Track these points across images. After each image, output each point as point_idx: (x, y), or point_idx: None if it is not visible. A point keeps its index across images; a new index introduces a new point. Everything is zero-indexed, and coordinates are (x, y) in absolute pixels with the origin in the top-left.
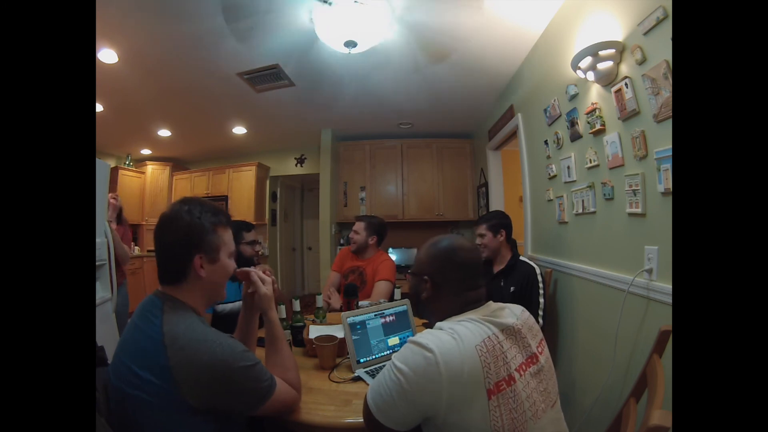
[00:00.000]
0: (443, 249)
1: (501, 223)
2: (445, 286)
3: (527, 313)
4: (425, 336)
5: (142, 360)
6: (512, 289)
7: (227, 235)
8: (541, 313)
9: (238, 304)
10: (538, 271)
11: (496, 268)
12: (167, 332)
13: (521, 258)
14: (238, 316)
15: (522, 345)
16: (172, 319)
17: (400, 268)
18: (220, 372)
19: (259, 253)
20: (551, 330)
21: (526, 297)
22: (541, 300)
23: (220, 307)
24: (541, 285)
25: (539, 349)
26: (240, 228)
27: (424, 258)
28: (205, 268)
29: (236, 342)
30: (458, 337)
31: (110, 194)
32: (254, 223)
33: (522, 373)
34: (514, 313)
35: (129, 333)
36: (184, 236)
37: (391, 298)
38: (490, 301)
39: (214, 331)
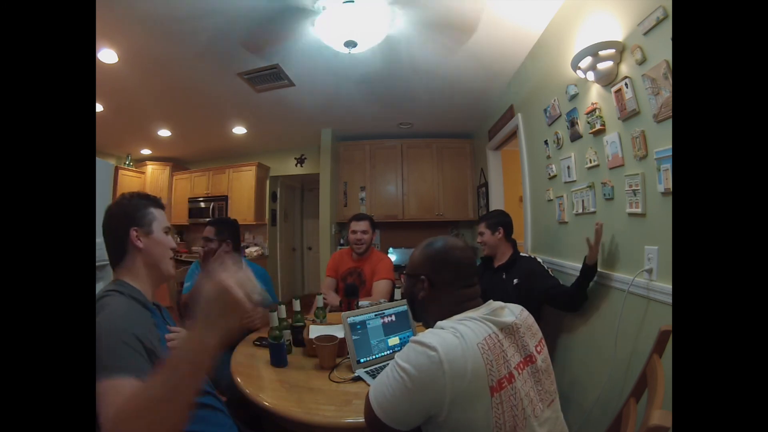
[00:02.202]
0: (437, 248)
1: (499, 221)
2: (442, 284)
3: (526, 312)
4: (427, 335)
5: None
6: (515, 281)
7: (160, 213)
8: (562, 285)
9: None
10: (540, 260)
11: (497, 264)
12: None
13: (522, 254)
14: None
15: (520, 344)
16: (101, 296)
17: (399, 269)
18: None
19: (203, 249)
20: (552, 330)
21: (531, 287)
22: (555, 278)
23: None
24: (548, 270)
25: (537, 349)
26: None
27: (419, 258)
28: (142, 240)
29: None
30: (460, 335)
31: None
32: (254, 223)
33: (520, 371)
34: (513, 313)
35: None
36: (120, 215)
37: (391, 298)
38: (491, 300)
39: (116, 306)
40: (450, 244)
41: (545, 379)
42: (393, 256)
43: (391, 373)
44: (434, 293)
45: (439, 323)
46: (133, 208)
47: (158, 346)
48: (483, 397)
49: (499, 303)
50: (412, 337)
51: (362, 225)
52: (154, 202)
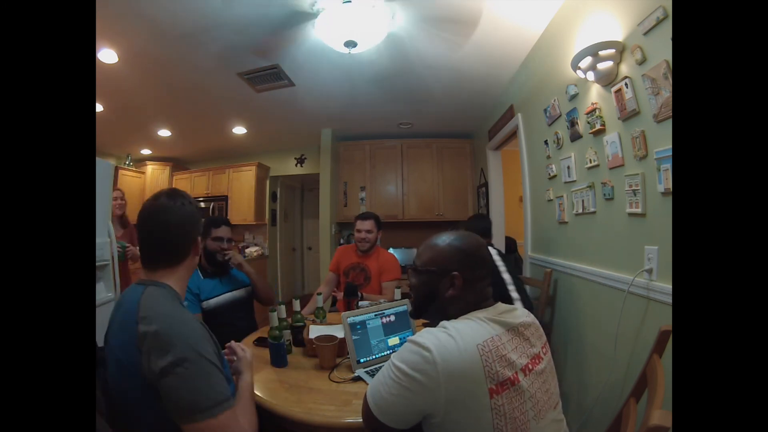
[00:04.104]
0: (471, 243)
1: (467, 225)
2: (473, 281)
3: (532, 315)
4: (424, 335)
5: (120, 336)
6: None
7: None
8: (511, 287)
9: (221, 297)
10: (494, 253)
11: None
12: (143, 305)
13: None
14: (225, 308)
15: (527, 345)
16: (151, 294)
17: (400, 268)
18: (179, 348)
19: (224, 250)
20: (552, 329)
21: None
22: (506, 276)
23: (205, 304)
24: (500, 264)
25: (543, 350)
26: (209, 224)
27: (447, 253)
28: (198, 246)
29: (207, 335)
30: (458, 335)
31: (115, 192)
32: (254, 223)
33: (527, 373)
34: (520, 315)
35: (112, 317)
36: (193, 220)
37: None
38: (499, 302)
39: (190, 316)
40: (477, 239)
41: (550, 380)
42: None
43: (387, 372)
44: (464, 291)
45: (442, 323)
46: (198, 213)
47: (222, 359)
48: (481, 399)
49: (507, 305)
50: (408, 337)
51: (367, 224)
52: None
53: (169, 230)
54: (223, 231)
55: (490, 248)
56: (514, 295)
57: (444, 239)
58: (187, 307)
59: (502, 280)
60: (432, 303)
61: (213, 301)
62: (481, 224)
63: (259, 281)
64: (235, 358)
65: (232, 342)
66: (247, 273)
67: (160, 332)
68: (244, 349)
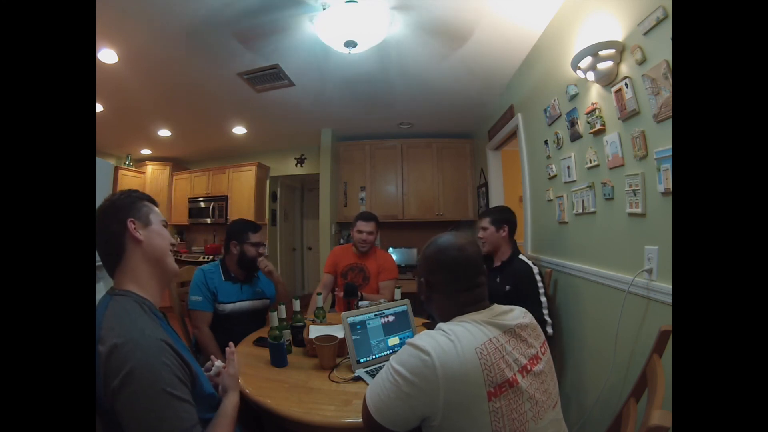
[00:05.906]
0: (432, 249)
1: (505, 218)
2: (437, 286)
3: (530, 315)
4: (423, 338)
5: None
6: (507, 287)
7: (155, 208)
8: (545, 311)
9: (239, 304)
10: (536, 270)
11: (495, 264)
12: (105, 320)
13: (520, 256)
14: (240, 315)
15: (525, 347)
16: (115, 305)
17: (400, 268)
18: (138, 379)
19: (263, 254)
20: (551, 330)
21: (521, 297)
22: (543, 299)
23: (221, 307)
24: (540, 284)
25: (542, 350)
26: (246, 228)
27: (420, 258)
28: (141, 233)
29: (177, 355)
30: (456, 339)
31: None
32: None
33: (524, 374)
34: (517, 316)
35: None
36: (114, 208)
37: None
38: (495, 304)
39: (151, 333)
40: (447, 243)
41: (549, 381)
42: (393, 256)
43: (386, 375)
44: (431, 295)
45: (439, 325)
46: (128, 201)
47: (195, 385)
48: (479, 402)
49: (503, 306)
50: (408, 339)
51: (370, 226)
52: (147, 198)
53: (97, 234)
54: (260, 236)
55: (530, 264)
56: (548, 319)
57: (426, 243)
58: (200, 304)
59: (539, 301)
60: (423, 306)
61: (230, 307)
62: (501, 216)
63: (283, 291)
64: (222, 372)
65: (226, 356)
66: (276, 281)
67: (113, 352)
68: (232, 360)
